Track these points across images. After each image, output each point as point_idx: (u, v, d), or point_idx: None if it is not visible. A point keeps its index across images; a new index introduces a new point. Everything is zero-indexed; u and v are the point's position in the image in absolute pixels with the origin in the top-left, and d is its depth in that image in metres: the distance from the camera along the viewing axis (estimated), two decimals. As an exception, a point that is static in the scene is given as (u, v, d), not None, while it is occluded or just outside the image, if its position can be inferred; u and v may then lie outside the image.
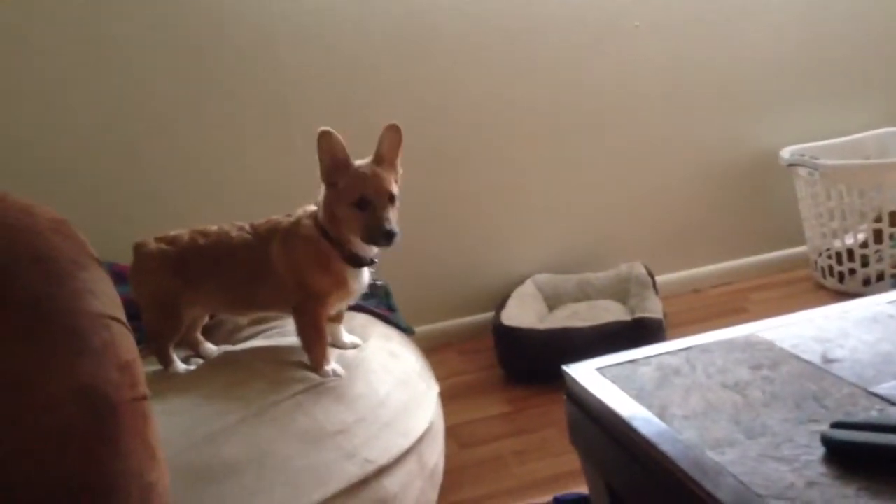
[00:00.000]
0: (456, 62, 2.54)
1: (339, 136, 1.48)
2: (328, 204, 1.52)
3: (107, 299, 0.93)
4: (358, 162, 1.50)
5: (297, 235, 1.56)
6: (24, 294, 0.85)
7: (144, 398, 0.93)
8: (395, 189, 1.50)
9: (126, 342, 0.93)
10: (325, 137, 1.47)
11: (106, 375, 0.87)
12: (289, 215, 1.61)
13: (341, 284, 1.56)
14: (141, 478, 0.88)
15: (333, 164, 1.48)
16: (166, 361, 1.64)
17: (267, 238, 1.59)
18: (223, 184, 2.42)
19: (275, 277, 1.57)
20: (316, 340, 1.56)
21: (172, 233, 1.65)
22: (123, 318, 0.95)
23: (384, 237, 1.46)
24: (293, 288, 1.56)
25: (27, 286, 0.85)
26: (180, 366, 1.65)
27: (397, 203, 1.51)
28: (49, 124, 2.27)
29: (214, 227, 1.64)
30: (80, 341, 0.87)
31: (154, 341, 1.64)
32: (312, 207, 1.58)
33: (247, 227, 1.63)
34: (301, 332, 1.58)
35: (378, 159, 1.51)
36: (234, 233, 1.62)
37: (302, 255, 1.55)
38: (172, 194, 2.38)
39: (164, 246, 1.62)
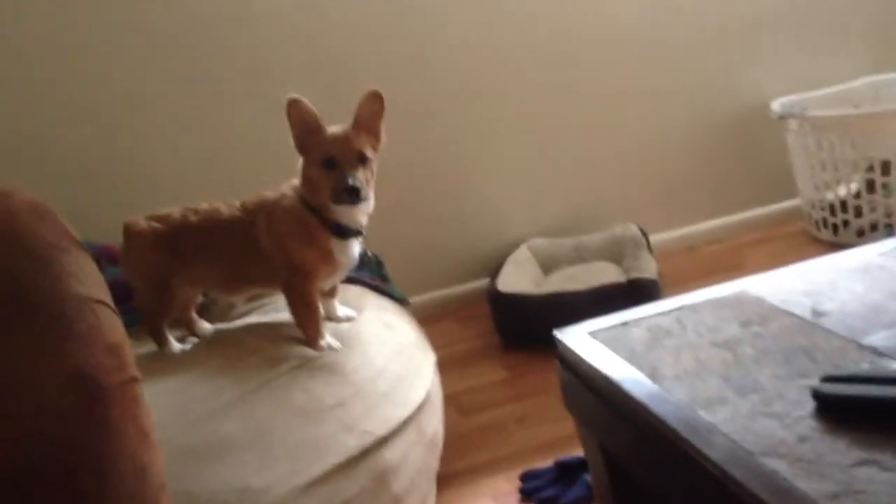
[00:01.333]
0: (445, 23, 2.51)
1: (308, 103, 1.47)
2: (304, 171, 1.52)
3: (91, 282, 0.93)
4: (332, 128, 1.50)
5: (280, 208, 1.55)
6: (5, 281, 0.84)
7: (134, 380, 0.93)
8: (368, 152, 1.49)
9: (113, 325, 0.93)
10: (293, 105, 1.47)
11: (94, 359, 0.87)
12: (275, 191, 1.60)
13: (327, 257, 1.55)
14: (134, 460, 0.88)
15: (303, 129, 1.48)
16: (161, 341, 1.64)
17: (255, 214, 1.58)
18: (211, 160, 2.40)
19: (263, 254, 1.57)
20: (308, 316, 1.56)
21: (163, 211, 1.64)
22: (109, 300, 0.94)
23: (347, 193, 1.45)
24: (281, 263, 1.55)
25: (8, 273, 0.84)
26: (175, 345, 1.65)
27: (371, 166, 1.51)
28: (30, 105, 2.26)
29: (205, 205, 1.63)
30: (66, 326, 0.86)
31: (148, 321, 1.63)
32: (296, 181, 1.57)
33: (237, 204, 1.62)
34: (292, 308, 1.57)
35: (355, 124, 1.50)
36: (224, 210, 1.61)
37: (285, 228, 1.54)
38: (161, 173, 2.37)
39: (154, 224, 1.61)
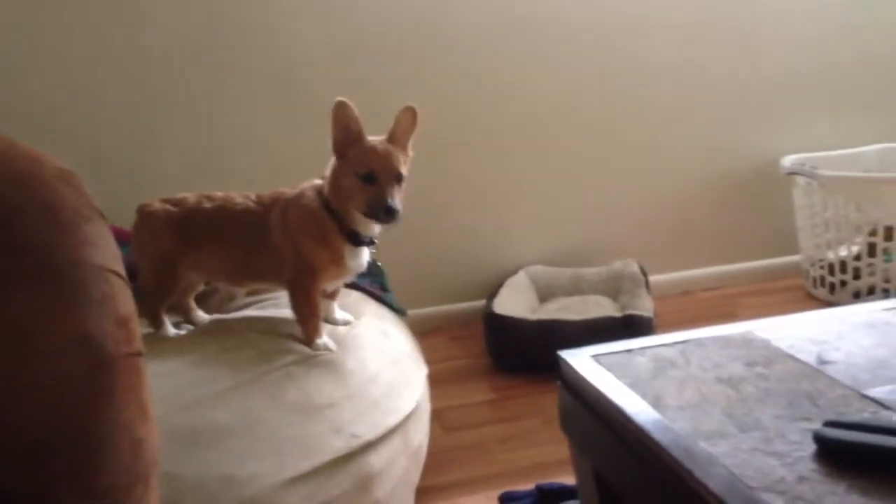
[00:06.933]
0: (465, 51, 2.53)
1: (354, 108, 1.47)
2: (336, 175, 1.51)
3: (108, 253, 0.93)
4: (370, 138, 1.50)
5: (298, 205, 1.55)
6: (31, 241, 0.84)
7: (140, 354, 0.93)
8: (403, 170, 1.50)
9: (125, 297, 0.93)
10: (340, 108, 1.46)
11: (105, 328, 0.87)
12: (294, 188, 1.61)
13: (338, 260, 1.55)
14: (132, 432, 0.88)
15: (346, 134, 1.48)
16: (157, 323, 1.63)
17: (269, 207, 1.59)
18: (230, 154, 2.41)
19: (273, 247, 1.57)
20: (308, 314, 1.56)
21: (179, 195, 1.64)
22: (123, 272, 0.94)
23: (385, 213, 1.45)
24: (289, 259, 1.56)
25: (34, 234, 0.85)
26: (170, 329, 1.65)
27: (404, 185, 1.51)
28: (66, 85, 2.28)
29: (220, 193, 1.64)
30: (82, 292, 0.87)
31: (148, 302, 1.63)
32: (318, 182, 1.57)
33: (252, 196, 1.63)
34: (294, 304, 1.57)
35: (391, 138, 1.51)
36: (238, 200, 1.62)
37: (301, 225, 1.54)
38: (176, 162, 2.38)
39: (168, 207, 1.62)
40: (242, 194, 1.63)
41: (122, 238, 1.77)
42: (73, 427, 0.81)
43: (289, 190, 1.61)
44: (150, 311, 1.63)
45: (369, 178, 1.46)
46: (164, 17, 2.30)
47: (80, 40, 2.26)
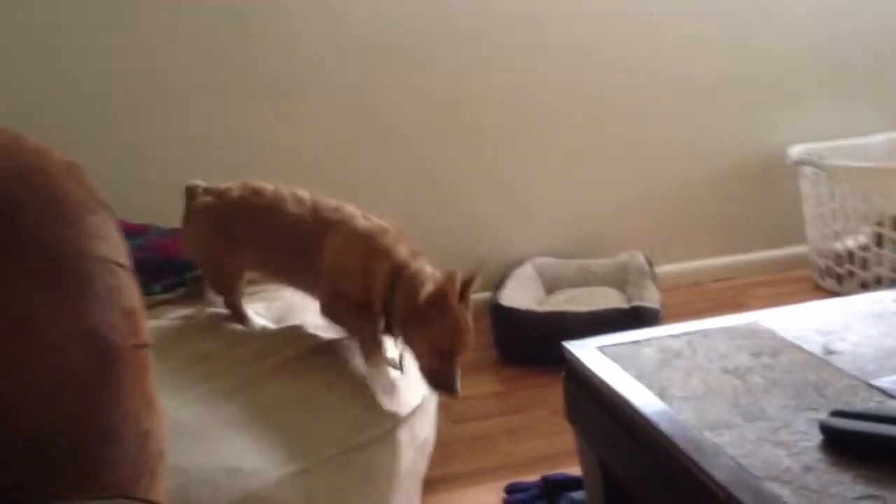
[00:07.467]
0: (468, 45, 2.52)
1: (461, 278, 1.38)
2: (412, 322, 1.41)
3: (114, 245, 0.93)
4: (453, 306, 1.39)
5: (377, 261, 1.45)
6: (36, 234, 0.85)
7: (146, 346, 0.93)
8: None
9: (130, 289, 0.93)
10: (452, 278, 1.37)
11: (110, 320, 0.87)
12: (366, 217, 1.51)
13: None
14: (138, 424, 0.88)
15: (441, 301, 1.38)
16: (239, 318, 1.59)
17: (326, 228, 1.50)
18: (233, 146, 2.42)
19: (316, 267, 1.49)
20: (358, 326, 1.49)
21: (223, 185, 1.59)
22: (130, 264, 0.95)
23: (449, 391, 1.40)
24: (328, 284, 1.50)
25: (39, 227, 0.85)
26: (256, 321, 1.60)
27: None
28: (69, 80, 2.28)
29: (270, 187, 1.56)
30: (87, 285, 0.87)
31: (225, 300, 1.61)
32: (398, 254, 1.46)
33: (308, 201, 1.54)
34: (341, 322, 1.52)
35: (462, 296, 1.41)
36: (291, 204, 1.53)
37: (351, 279, 1.47)
38: (182, 154, 2.38)
39: (209, 199, 1.58)
40: (295, 196, 1.54)
41: (129, 231, 1.78)
42: (79, 419, 0.82)
43: (357, 215, 1.51)
44: (227, 306, 1.61)
45: (446, 354, 1.39)
46: (164, 11, 2.30)
47: (82, 34, 2.26)
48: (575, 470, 1.13)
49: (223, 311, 1.64)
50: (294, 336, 1.56)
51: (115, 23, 2.28)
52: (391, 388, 1.45)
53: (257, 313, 1.66)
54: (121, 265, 0.93)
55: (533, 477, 1.71)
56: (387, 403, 1.45)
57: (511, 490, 1.71)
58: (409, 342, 1.44)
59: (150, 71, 2.33)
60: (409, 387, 1.59)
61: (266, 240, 1.56)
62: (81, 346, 0.84)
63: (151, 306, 1.73)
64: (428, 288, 1.39)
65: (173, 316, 1.70)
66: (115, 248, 0.93)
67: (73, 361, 0.82)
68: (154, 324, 1.61)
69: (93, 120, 2.30)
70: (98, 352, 0.85)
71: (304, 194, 1.55)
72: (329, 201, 1.54)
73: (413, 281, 1.40)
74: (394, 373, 1.49)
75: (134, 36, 2.30)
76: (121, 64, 2.31)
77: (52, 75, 2.27)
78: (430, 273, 1.43)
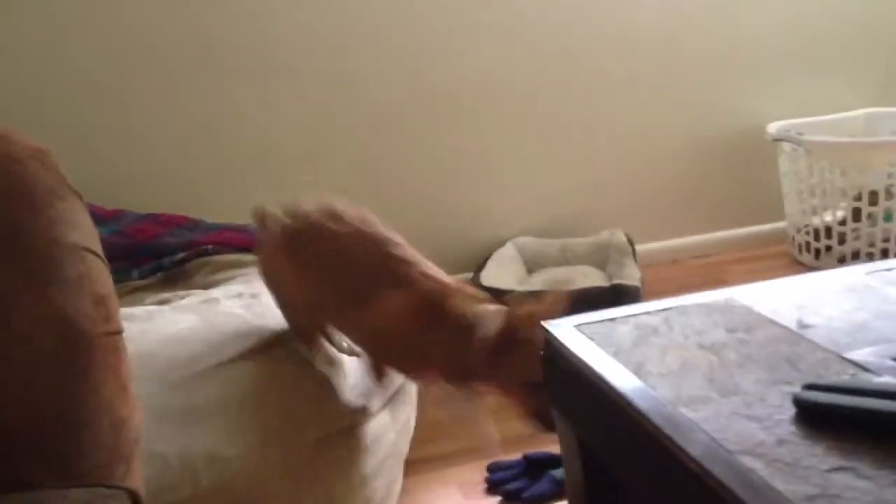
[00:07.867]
0: (445, 23, 2.51)
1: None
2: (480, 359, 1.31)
3: (84, 231, 0.92)
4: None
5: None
6: (3, 220, 0.83)
7: (118, 333, 0.93)
8: None
9: (101, 275, 0.92)
10: (534, 322, 1.18)
11: (81, 307, 0.87)
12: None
13: None
14: (112, 412, 0.88)
15: (512, 344, 1.29)
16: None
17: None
18: (211, 136, 2.40)
19: None
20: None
21: (301, 204, 1.41)
22: (100, 251, 0.94)
23: (545, 420, 1.24)
24: None
25: (6, 213, 0.84)
26: (331, 354, 1.47)
27: None
28: (43, 65, 2.26)
29: (353, 213, 1.39)
30: (56, 271, 0.86)
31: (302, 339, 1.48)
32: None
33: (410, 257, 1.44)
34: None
35: None
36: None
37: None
38: (158, 140, 2.36)
39: (285, 221, 1.41)
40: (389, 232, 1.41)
41: (103, 217, 1.77)
42: (49, 408, 0.81)
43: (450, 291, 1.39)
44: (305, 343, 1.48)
45: (536, 386, 1.21)
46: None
47: (60, 19, 2.23)
48: (556, 448, 1.14)
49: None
50: (274, 318, 1.55)
51: (82, 2, 2.26)
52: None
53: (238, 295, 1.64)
54: (91, 251, 0.92)
55: (515, 456, 1.72)
56: (368, 385, 1.45)
57: (493, 469, 1.72)
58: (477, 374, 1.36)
59: (128, 54, 2.31)
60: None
61: (334, 273, 1.38)
62: (51, 333, 0.83)
63: (129, 292, 1.73)
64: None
65: (151, 301, 1.69)
66: (86, 235, 0.93)
67: (42, 349, 0.82)
68: (132, 310, 1.60)
69: (60, 100, 2.28)
70: (68, 339, 0.84)
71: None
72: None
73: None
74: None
75: (111, 21, 2.27)
76: (89, 44, 2.28)
77: (25, 59, 2.24)
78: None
